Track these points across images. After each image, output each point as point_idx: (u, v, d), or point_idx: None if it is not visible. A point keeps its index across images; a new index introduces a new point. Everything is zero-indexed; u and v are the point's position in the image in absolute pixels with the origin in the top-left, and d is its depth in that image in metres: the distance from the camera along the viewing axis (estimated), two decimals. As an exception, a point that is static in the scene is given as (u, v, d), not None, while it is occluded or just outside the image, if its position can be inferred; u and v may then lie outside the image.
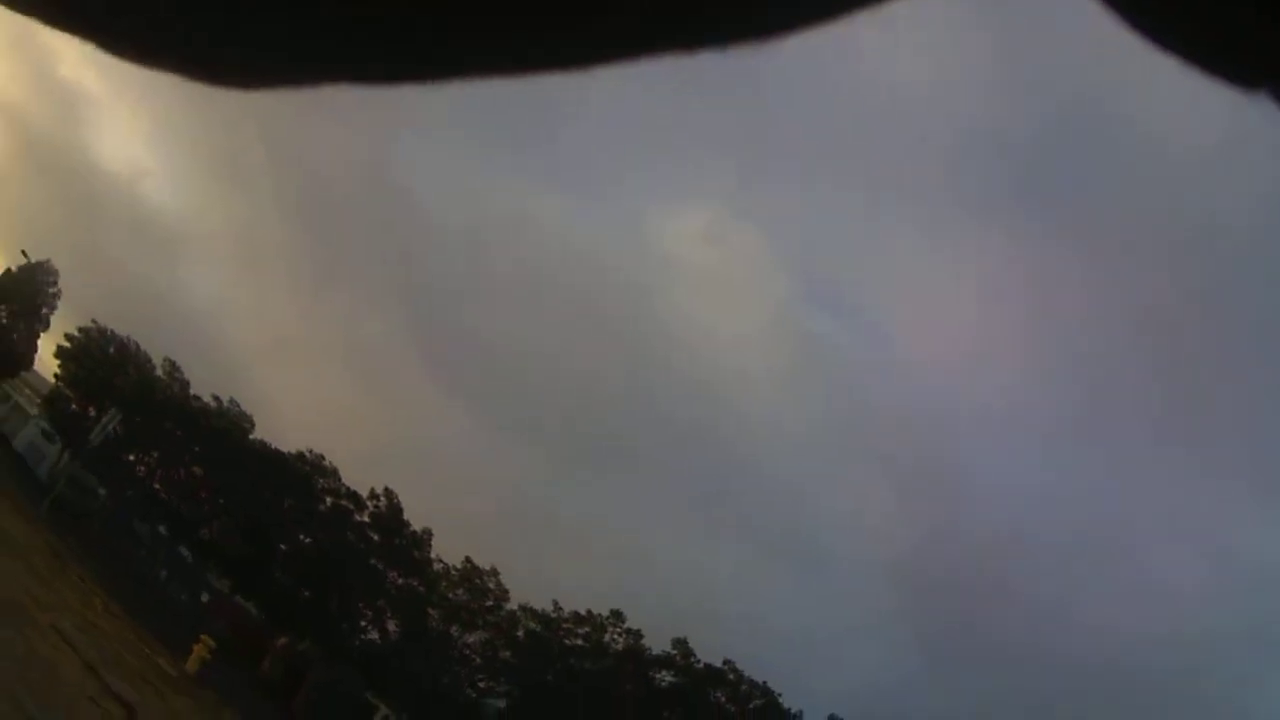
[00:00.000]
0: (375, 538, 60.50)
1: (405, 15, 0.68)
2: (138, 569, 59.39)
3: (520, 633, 57.02)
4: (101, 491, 69.76)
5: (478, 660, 57.54)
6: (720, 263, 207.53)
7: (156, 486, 69.61)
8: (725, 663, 55.20)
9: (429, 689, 56.22)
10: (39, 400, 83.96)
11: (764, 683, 55.19)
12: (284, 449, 66.24)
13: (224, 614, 59.43)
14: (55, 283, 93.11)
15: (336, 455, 69.22)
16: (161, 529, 66.83)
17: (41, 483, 64.05)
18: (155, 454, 70.12)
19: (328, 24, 0.69)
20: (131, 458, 70.50)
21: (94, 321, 79.10)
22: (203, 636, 37.31)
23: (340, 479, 62.64)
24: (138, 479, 69.64)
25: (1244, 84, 0.64)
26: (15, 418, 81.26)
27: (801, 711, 54.79)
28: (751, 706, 54.22)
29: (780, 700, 54.77)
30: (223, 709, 34.55)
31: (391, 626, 59.77)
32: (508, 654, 56.82)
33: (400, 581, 59.18)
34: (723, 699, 54.86)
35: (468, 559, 58.97)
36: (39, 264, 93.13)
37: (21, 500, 43.23)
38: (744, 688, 54.86)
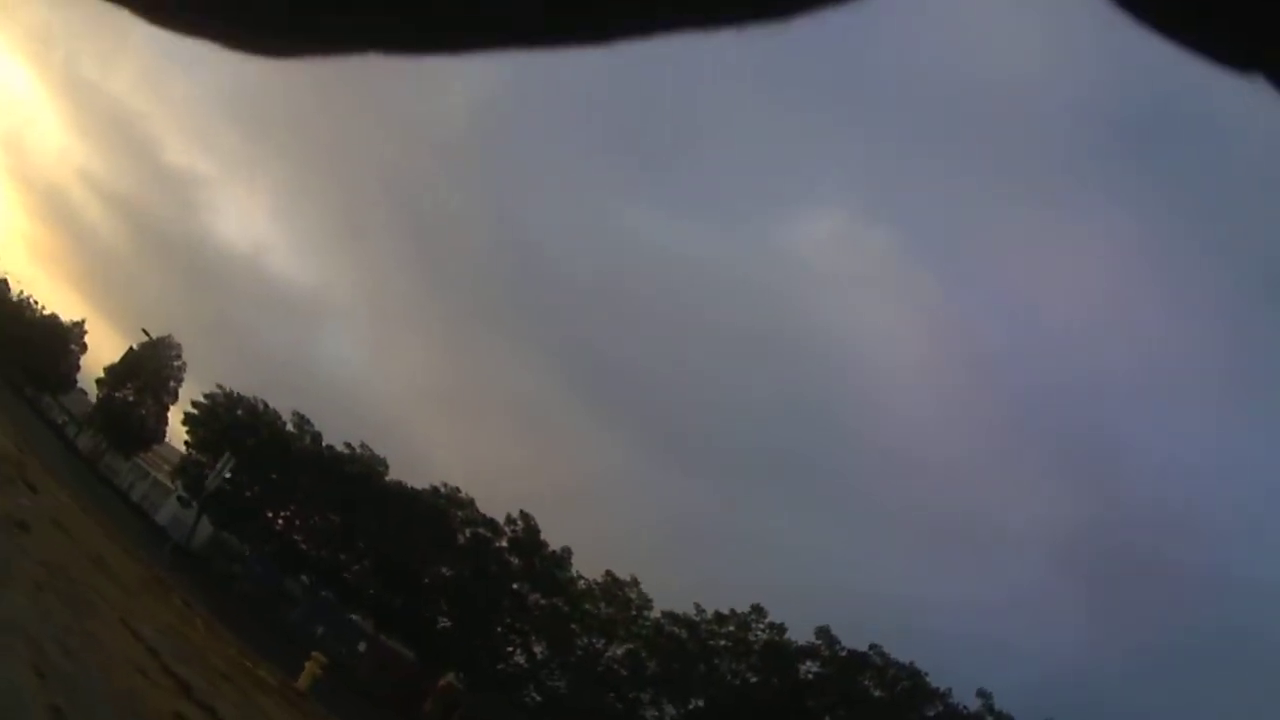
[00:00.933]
0: (515, 561, 62.19)
1: None
2: (293, 626, 61.63)
3: (662, 639, 58.14)
4: (247, 552, 72.62)
5: (624, 672, 58.75)
6: (855, 263, 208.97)
7: (297, 538, 71.91)
8: (871, 647, 55.82)
9: (573, 705, 57.75)
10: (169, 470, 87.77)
11: (910, 663, 55.74)
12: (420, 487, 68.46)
13: (383, 661, 61.43)
14: (179, 356, 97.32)
15: (493, 491, 71.50)
16: (304, 578, 69.25)
17: (183, 549, 66.90)
18: (293, 508, 72.38)
19: None
20: (270, 514, 72.80)
21: (219, 386, 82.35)
22: (314, 654, 37.86)
23: (476, 509, 64.54)
24: (277, 534, 72.09)
25: (1238, 66, 0.65)
26: (155, 492, 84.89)
27: (950, 689, 55.30)
28: (899, 689, 54.77)
29: (928, 680, 55.33)
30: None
31: (538, 650, 61.37)
32: (652, 663, 57.93)
33: (543, 602, 60.72)
34: (868, 684, 55.48)
35: (608, 572, 60.34)
36: (161, 339, 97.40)
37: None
38: (890, 671, 55.44)
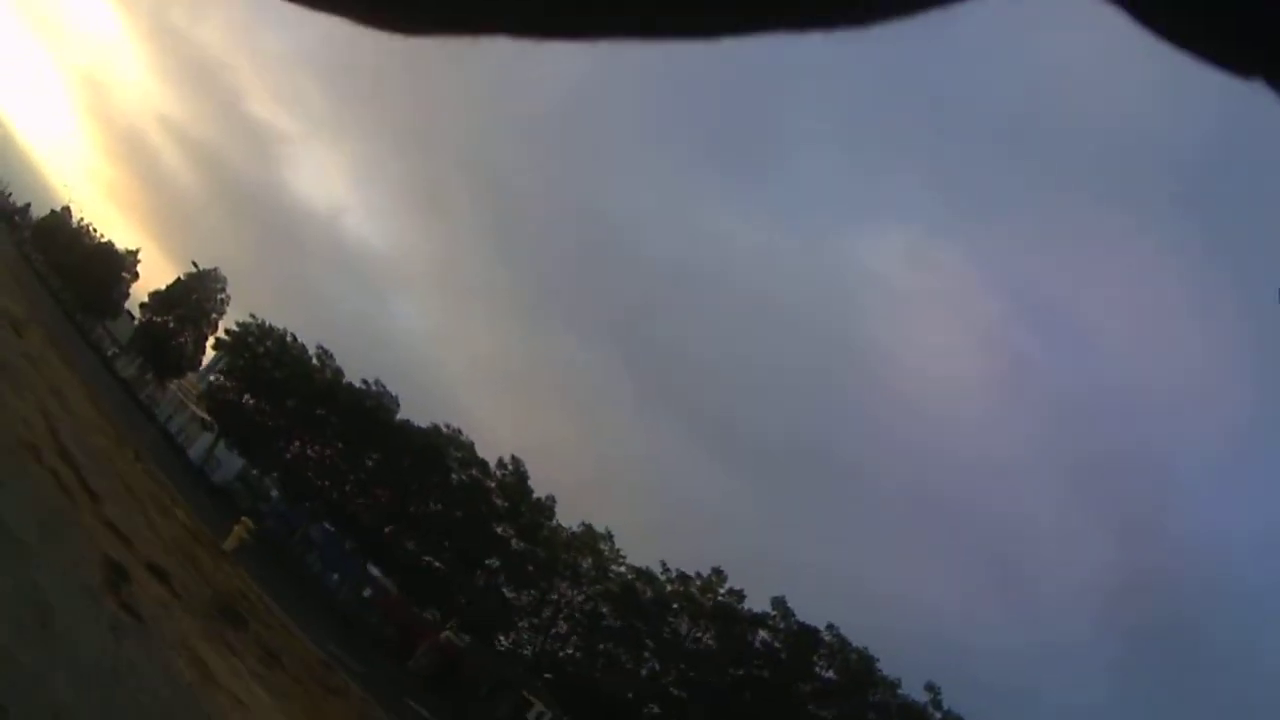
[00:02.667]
0: (503, 504, 64.07)
1: None
2: (307, 570, 63.88)
3: (624, 594, 59.57)
4: (274, 493, 74.96)
5: (580, 618, 60.38)
6: (924, 283, 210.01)
7: (307, 469, 74.13)
8: (827, 627, 56.99)
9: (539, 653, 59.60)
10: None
11: (864, 648, 56.87)
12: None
13: (386, 608, 63.40)
14: (224, 289, 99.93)
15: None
16: (326, 525, 70.87)
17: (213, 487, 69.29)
18: (306, 438, 74.64)
19: None
20: (284, 442, 75.13)
21: (252, 316, 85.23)
22: (243, 518, 40.31)
23: (473, 451, 66.69)
24: (289, 461, 74.40)
25: (1240, 71, 0.67)
26: (192, 427, 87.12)
27: (900, 679, 56.32)
28: (849, 670, 55.83)
29: (879, 667, 56.35)
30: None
31: (510, 594, 63.11)
32: (614, 617, 59.41)
33: (521, 547, 62.47)
34: (818, 660, 56.55)
35: (584, 524, 62.29)
36: (207, 272, 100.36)
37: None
38: (841, 651, 56.52)
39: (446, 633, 60.76)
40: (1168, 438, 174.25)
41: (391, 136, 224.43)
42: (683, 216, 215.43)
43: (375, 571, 67.81)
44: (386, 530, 65.69)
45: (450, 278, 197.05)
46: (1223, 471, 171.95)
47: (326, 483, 71.71)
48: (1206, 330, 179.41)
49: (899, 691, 56.20)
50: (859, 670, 55.81)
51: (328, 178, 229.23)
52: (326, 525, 69.81)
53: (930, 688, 56.13)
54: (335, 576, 65.59)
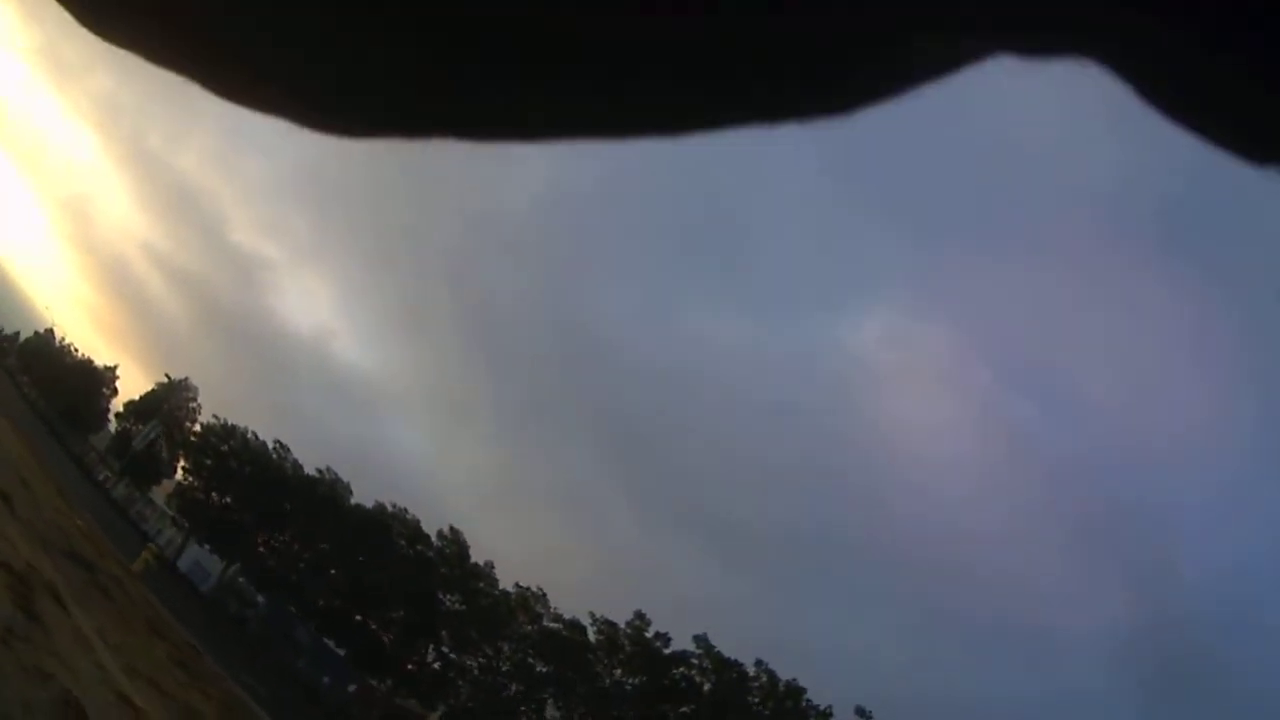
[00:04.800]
0: (445, 572, 66.92)
1: (495, 71, 0.61)
2: (295, 671, 66.63)
3: (547, 641, 62.19)
4: (260, 599, 77.84)
5: (506, 668, 62.98)
6: (905, 360, 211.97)
7: (266, 556, 77.01)
8: (757, 663, 58.96)
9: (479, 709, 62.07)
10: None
11: (792, 679, 58.77)
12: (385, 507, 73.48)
13: (374, 703, 65.89)
14: (195, 398, 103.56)
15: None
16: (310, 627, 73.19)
17: (203, 598, 72.39)
18: (266, 532, 77.64)
19: (425, 75, 0.60)
20: (252, 534, 78.08)
21: (215, 417, 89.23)
22: (149, 545, 44.71)
23: (419, 527, 69.82)
24: (256, 553, 77.24)
25: (1254, 158, 0.62)
26: (181, 538, 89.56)
27: (831, 707, 58.18)
28: (774, 701, 57.70)
29: (807, 698, 58.19)
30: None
31: (448, 652, 65.81)
32: (540, 664, 62.03)
33: (458, 607, 65.30)
34: (747, 695, 58.45)
35: (518, 584, 65.16)
36: (179, 381, 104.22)
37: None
38: (765, 682, 58.47)
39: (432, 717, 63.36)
40: (1168, 482, 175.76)
41: (374, 258, 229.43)
42: (663, 318, 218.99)
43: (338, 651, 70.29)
44: (336, 605, 68.32)
45: (438, 393, 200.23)
46: (1227, 507, 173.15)
47: (286, 568, 74.47)
48: (1197, 371, 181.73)
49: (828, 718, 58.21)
50: (785, 700, 57.80)
51: (313, 302, 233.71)
52: (309, 627, 72.06)
53: (860, 712, 58.08)
54: (326, 680, 68.01)
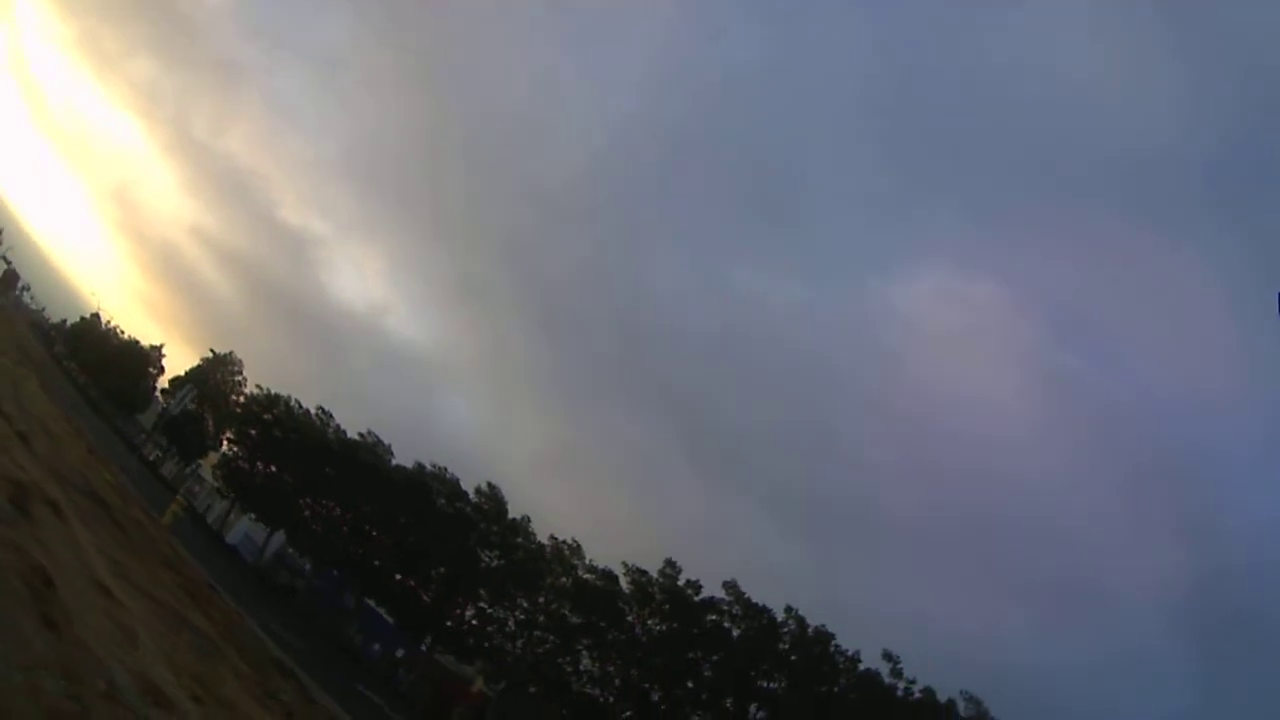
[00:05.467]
0: (487, 528, 68.60)
1: None
2: (345, 639, 68.94)
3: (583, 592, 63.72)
4: (307, 567, 79.93)
5: (542, 619, 64.65)
6: (958, 318, 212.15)
7: (312, 523, 78.87)
8: (786, 609, 60.09)
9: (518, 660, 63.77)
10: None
11: (821, 625, 60.00)
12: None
13: (421, 668, 67.73)
14: (239, 371, 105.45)
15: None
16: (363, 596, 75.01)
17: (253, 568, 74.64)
18: (311, 495, 79.45)
19: None
20: (297, 500, 79.96)
21: (259, 386, 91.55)
22: (178, 497, 46.84)
23: (459, 486, 71.59)
24: (301, 519, 79.11)
25: None
26: (224, 507, 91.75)
27: (859, 650, 59.39)
28: (805, 646, 58.99)
29: (836, 642, 59.42)
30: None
31: (486, 607, 67.43)
32: (575, 615, 63.61)
33: (497, 563, 67.04)
34: (779, 641, 59.70)
35: (552, 536, 66.76)
36: (223, 356, 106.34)
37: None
38: (795, 628, 59.73)
39: (478, 685, 65.01)
40: (1217, 433, 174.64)
41: (425, 230, 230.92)
42: (718, 283, 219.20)
43: (388, 618, 72.07)
44: (377, 565, 70.15)
45: (496, 365, 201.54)
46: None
47: (331, 534, 76.30)
48: (1242, 322, 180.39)
49: (855, 661, 59.44)
50: (814, 645, 59.12)
51: (366, 278, 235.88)
52: (361, 595, 73.78)
53: (888, 656, 59.19)
54: (376, 647, 69.96)
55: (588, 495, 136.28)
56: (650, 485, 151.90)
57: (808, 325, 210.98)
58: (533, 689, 62.97)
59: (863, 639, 60.63)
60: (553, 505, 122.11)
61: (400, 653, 69.63)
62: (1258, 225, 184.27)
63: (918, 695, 58.20)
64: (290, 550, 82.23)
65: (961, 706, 58.78)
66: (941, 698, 58.04)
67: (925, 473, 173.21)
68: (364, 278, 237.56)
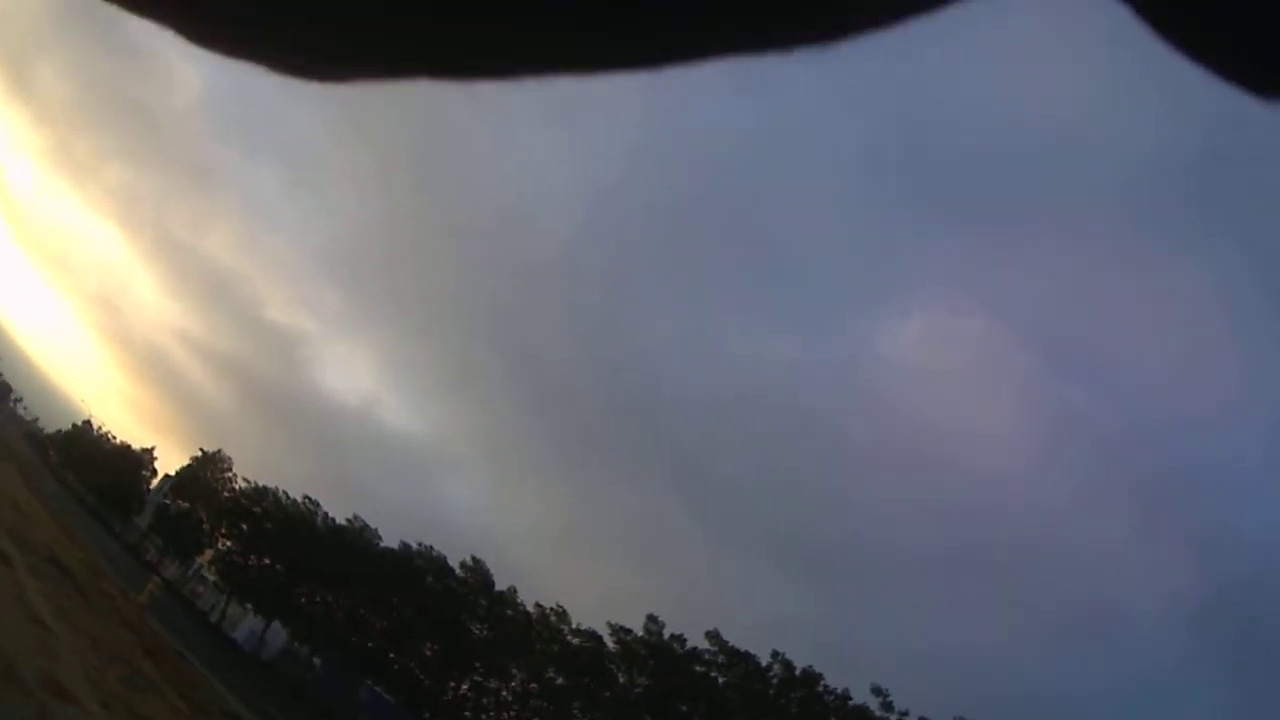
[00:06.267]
0: (479, 602, 69.55)
1: (471, 10, 0.64)
2: None
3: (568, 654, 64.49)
4: (317, 661, 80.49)
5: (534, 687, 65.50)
6: (951, 355, 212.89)
7: (314, 616, 79.67)
8: (772, 654, 60.68)
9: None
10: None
11: (809, 667, 60.64)
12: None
13: None
14: (229, 469, 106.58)
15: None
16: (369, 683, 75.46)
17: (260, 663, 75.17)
18: (304, 583, 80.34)
19: (398, 17, 0.61)
20: (291, 589, 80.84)
21: (246, 480, 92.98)
22: (154, 577, 47.93)
23: (445, 563, 72.60)
24: (297, 608, 79.91)
25: (1262, 91, 0.67)
26: (234, 610, 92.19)
27: (848, 689, 59.98)
28: (790, 690, 59.57)
29: (823, 681, 59.95)
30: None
31: (479, 679, 68.19)
32: (559, 678, 64.51)
33: (485, 634, 67.90)
34: (760, 686, 60.28)
35: (537, 604, 67.71)
36: (213, 454, 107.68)
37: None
38: (782, 670, 60.40)
39: None
40: (1221, 444, 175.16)
41: (412, 320, 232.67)
42: (702, 345, 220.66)
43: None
44: (371, 647, 70.99)
45: (493, 446, 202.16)
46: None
47: (325, 619, 77.13)
48: (1236, 334, 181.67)
49: (844, 698, 60.01)
50: (801, 686, 59.75)
51: (356, 372, 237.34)
52: (372, 686, 74.23)
53: (877, 690, 59.79)
54: None
55: (594, 566, 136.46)
56: (654, 550, 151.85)
57: (801, 378, 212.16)
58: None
59: (877, 679, 60.64)
60: (559, 580, 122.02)
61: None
62: (1249, 228, 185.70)
63: (909, 726, 58.81)
64: (296, 644, 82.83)
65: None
66: None
67: (932, 511, 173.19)
68: (354, 372, 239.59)
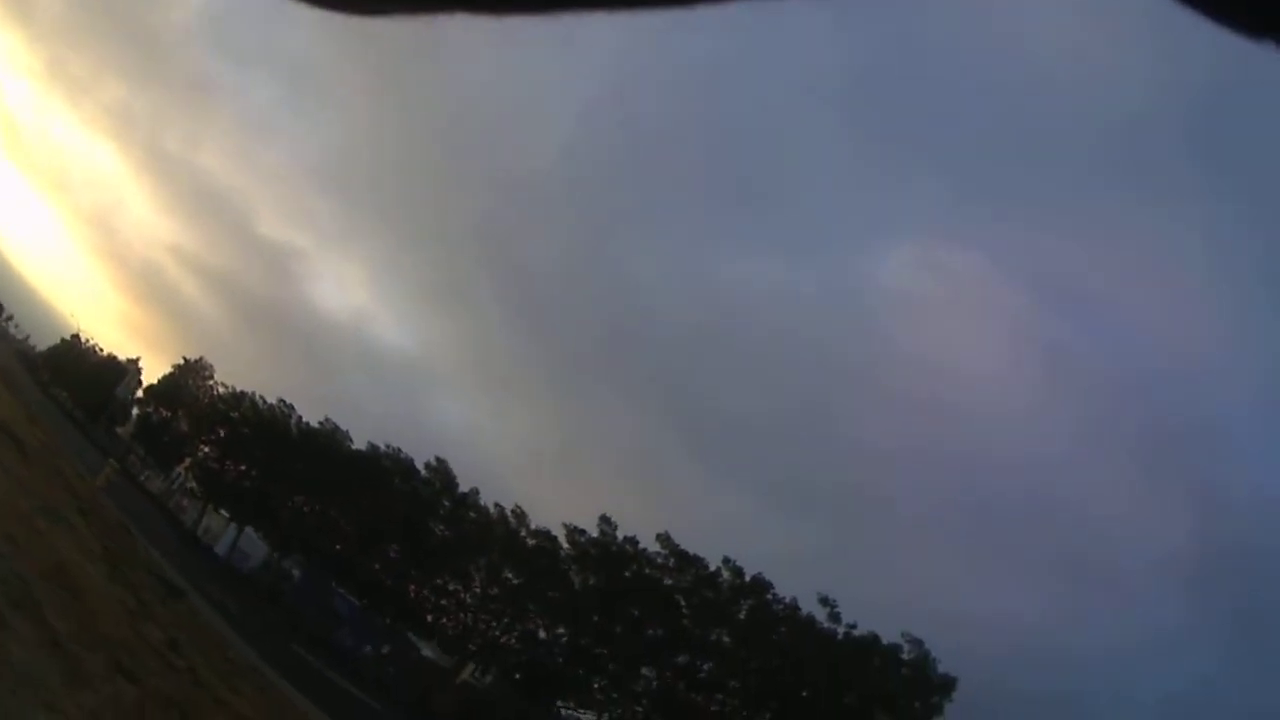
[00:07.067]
0: (443, 503, 70.48)
1: None
2: (344, 647, 69.46)
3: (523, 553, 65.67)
4: (296, 573, 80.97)
5: (493, 589, 66.63)
6: (944, 287, 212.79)
7: (286, 520, 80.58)
8: (724, 559, 61.42)
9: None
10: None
11: (759, 573, 61.41)
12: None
13: (407, 663, 68.93)
14: (211, 376, 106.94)
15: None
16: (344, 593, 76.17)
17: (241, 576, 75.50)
18: (278, 487, 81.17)
19: None
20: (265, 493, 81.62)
21: (224, 386, 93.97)
22: (110, 460, 49.43)
23: (412, 465, 73.50)
24: (272, 515, 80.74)
25: (1252, 32, 0.68)
26: (218, 524, 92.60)
27: (795, 597, 60.68)
28: (733, 591, 60.52)
29: (773, 589, 60.78)
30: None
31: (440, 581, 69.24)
32: (514, 576, 65.75)
33: (446, 534, 68.92)
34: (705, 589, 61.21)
35: (497, 504, 68.64)
36: (194, 361, 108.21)
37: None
38: (728, 575, 61.24)
39: (463, 677, 66.63)
40: (1212, 399, 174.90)
41: (404, 235, 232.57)
42: (698, 268, 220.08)
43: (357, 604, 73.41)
44: (339, 549, 72.02)
45: (486, 365, 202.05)
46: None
47: (295, 523, 78.07)
48: (1239, 286, 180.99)
49: (785, 601, 60.72)
50: (749, 593, 60.58)
51: (348, 288, 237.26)
52: (345, 594, 74.89)
53: (824, 600, 60.45)
54: (368, 648, 71.09)
55: (587, 490, 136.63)
56: (647, 475, 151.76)
57: (792, 306, 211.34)
58: (518, 676, 64.64)
59: (870, 624, 61.07)
60: (553, 501, 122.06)
61: (386, 649, 70.66)
62: (1248, 173, 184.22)
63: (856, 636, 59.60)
64: (275, 555, 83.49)
65: (905, 649, 60.14)
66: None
67: (920, 453, 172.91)
68: (347, 287, 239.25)
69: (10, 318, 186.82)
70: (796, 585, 61.51)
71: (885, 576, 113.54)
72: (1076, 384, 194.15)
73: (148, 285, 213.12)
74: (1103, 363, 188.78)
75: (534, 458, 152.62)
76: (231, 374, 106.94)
